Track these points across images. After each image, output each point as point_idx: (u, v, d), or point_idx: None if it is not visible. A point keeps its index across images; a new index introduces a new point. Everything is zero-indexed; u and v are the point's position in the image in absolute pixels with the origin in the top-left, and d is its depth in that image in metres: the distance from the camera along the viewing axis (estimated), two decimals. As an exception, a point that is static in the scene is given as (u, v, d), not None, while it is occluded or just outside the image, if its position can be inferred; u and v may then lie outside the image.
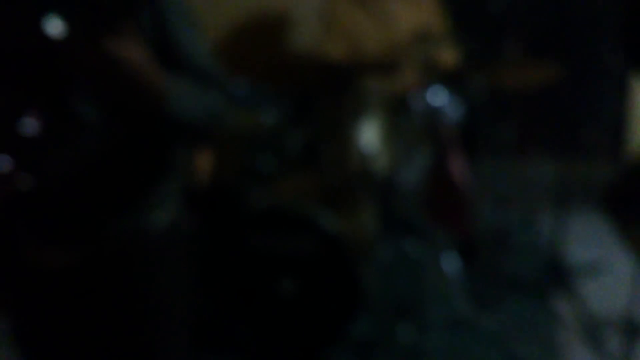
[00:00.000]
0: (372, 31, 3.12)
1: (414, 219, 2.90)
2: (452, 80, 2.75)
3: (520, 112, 2.78)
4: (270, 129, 2.60)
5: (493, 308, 2.76)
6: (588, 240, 3.41)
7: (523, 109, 2.73)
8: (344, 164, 2.48)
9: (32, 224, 1.24)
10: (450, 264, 2.66)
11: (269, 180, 2.59)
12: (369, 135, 2.49)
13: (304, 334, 2.48)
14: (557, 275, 2.96)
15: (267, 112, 2.65)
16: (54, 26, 1.07)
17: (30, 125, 1.09)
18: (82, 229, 1.25)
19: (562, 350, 2.54)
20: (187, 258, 1.46)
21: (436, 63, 3.04)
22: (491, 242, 3.06)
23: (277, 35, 3.82)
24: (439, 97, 2.42)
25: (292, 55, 3.80)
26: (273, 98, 2.70)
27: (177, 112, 1.18)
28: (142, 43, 1.09)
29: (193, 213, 1.52)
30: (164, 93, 1.15)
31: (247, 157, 2.58)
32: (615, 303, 2.73)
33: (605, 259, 3.13)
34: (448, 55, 3.13)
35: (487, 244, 2.91)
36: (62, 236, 1.25)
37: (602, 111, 3.90)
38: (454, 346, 2.55)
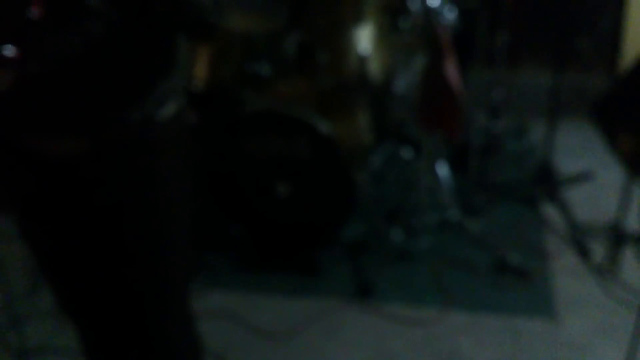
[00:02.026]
0: None
1: (408, 124, 2.93)
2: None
3: (514, 20, 2.75)
4: (267, 32, 2.58)
5: (482, 214, 2.83)
6: (578, 150, 3.46)
7: (518, 17, 2.70)
8: (340, 67, 2.49)
9: (36, 111, 1.23)
10: (442, 169, 2.69)
11: (265, 83, 2.58)
12: (365, 38, 2.48)
13: (297, 234, 2.55)
14: (546, 183, 3.01)
15: (264, 14, 2.62)
16: None
17: (33, 10, 1.07)
18: (88, 118, 1.24)
19: (549, 255, 2.61)
20: (189, 148, 1.46)
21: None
22: (482, 149, 3.08)
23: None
24: (434, 0, 2.40)
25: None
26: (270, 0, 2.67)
27: None
28: None
29: (191, 111, 1.52)
30: None
31: (243, 60, 2.56)
32: (603, 211, 2.80)
33: (594, 168, 3.18)
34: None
35: (478, 151, 2.94)
36: (66, 125, 1.25)
37: (597, 21, 3.87)
38: (443, 248, 2.63)
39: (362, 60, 2.47)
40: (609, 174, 3.13)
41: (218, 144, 2.47)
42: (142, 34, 1.22)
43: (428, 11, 2.35)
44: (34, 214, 1.41)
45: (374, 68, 2.51)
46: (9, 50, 1.07)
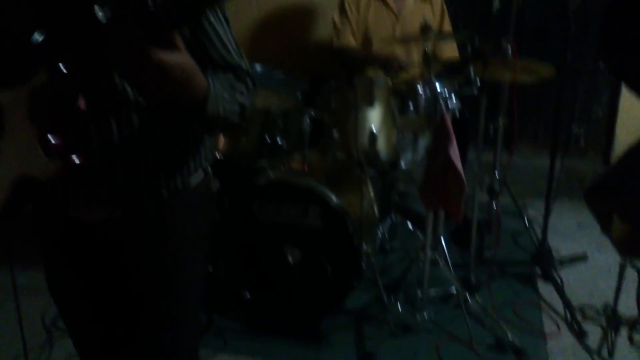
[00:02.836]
0: (385, 25, 3.30)
1: (412, 199, 3.04)
2: (451, 71, 2.90)
3: (512, 105, 2.91)
4: (284, 108, 2.74)
5: (481, 289, 2.90)
6: (574, 231, 3.57)
7: (516, 103, 2.87)
8: (351, 144, 2.63)
9: (76, 188, 1.32)
10: (443, 245, 2.78)
11: (281, 155, 2.73)
12: (375, 118, 2.65)
13: (304, 301, 2.62)
14: (543, 262, 3.09)
15: (282, 93, 2.80)
16: (105, 14, 1.15)
17: (79, 103, 1.15)
18: (123, 194, 1.33)
19: (546, 334, 2.63)
20: (211, 214, 1.56)
21: (437, 55, 3.23)
22: (482, 226, 3.19)
23: (298, 24, 4.00)
24: (439, 87, 2.57)
25: (309, 43, 3.98)
26: (289, 80, 2.86)
27: (215, 111, 1.19)
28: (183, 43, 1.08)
29: (215, 179, 1.62)
30: (206, 93, 1.16)
31: (262, 132, 2.71)
32: (598, 293, 2.89)
33: (590, 250, 3.28)
34: (449, 49, 3.31)
35: (478, 228, 3.04)
36: (102, 199, 1.33)
37: (592, 109, 4.06)
38: (443, 322, 2.68)
39: (372, 137, 2.62)
40: (604, 256, 3.24)
41: (233, 209, 2.59)
42: (174, 122, 1.32)
43: (434, 96, 2.51)
44: (63, 268, 1.49)
45: (382, 145, 2.66)
46: (56, 140, 1.16)
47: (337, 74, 3.14)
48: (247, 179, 2.63)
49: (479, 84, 2.66)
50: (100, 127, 1.27)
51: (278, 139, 2.68)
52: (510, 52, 2.80)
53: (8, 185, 1.27)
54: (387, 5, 3.32)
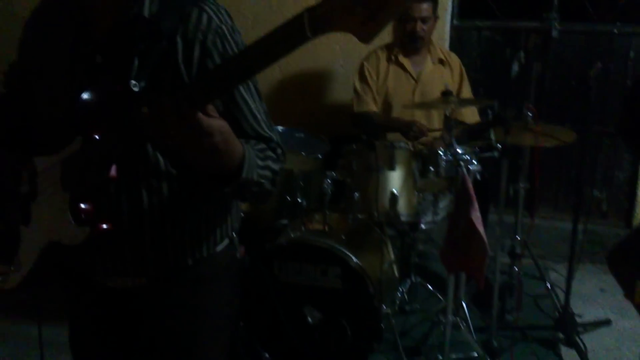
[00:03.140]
0: (405, 89, 3.37)
1: (433, 261, 3.02)
2: (472, 136, 2.94)
3: (534, 168, 2.93)
4: (307, 169, 2.79)
5: (503, 354, 2.85)
6: (596, 296, 3.51)
7: (537, 166, 2.89)
8: (371, 205, 2.66)
9: (103, 255, 1.34)
10: (465, 309, 2.77)
11: (302, 215, 2.75)
12: (396, 180, 2.68)
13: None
14: (565, 327, 3.01)
15: (305, 154, 2.85)
16: (141, 87, 1.19)
17: (113, 170, 1.17)
18: (149, 263, 1.35)
19: None
20: (236, 280, 1.55)
21: (459, 119, 3.27)
22: (503, 289, 3.16)
23: (319, 87, 4.10)
24: (460, 150, 2.60)
25: (330, 105, 4.06)
26: (310, 141, 2.91)
27: (250, 176, 1.19)
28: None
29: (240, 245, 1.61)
30: (241, 159, 1.16)
31: (282, 192, 2.75)
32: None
33: (612, 315, 3.22)
34: (469, 113, 3.36)
35: (500, 291, 3.01)
36: (129, 267, 1.35)
37: (614, 173, 4.06)
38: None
39: (392, 199, 2.65)
40: (628, 322, 3.17)
41: (253, 268, 2.60)
42: (204, 191, 1.34)
43: (455, 159, 2.53)
44: (87, 332, 1.51)
45: (403, 206, 2.68)
46: (87, 207, 1.19)
47: (358, 136, 3.20)
48: (267, 238, 2.66)
49: (499, 148, 2.68)
50: (130, 195, 1.29)
51: (299, 199, 2.71)
52: (531, 117, 2.83)
53: (38, 250, 1.30)
54: (406, 70, 3.38)
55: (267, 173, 1.27)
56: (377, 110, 3.39)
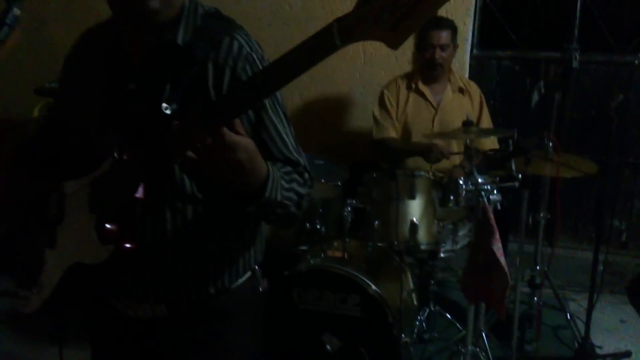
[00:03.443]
0: (424, 117, 3.38)
1: (452, 290, 3.01)
2: (492, 165, 2.94)
3: (554, 198, 2.93)
4: (326, 197, 2.80)
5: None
6: (616, 327, 3.47)
7: (557, 196, 2.88)
8: (391, 233, 2.66)
9: (123, 279, 1.35)
10: (484, 339, 2.75)
11: (321, 242, 2.77)
12: (416, 209, 2.69)
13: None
14: (585, 359, 2.98)
15: (325, 182, 2.86)
16: (170, 109, 1.21)
17: (139, 192, 1.17)
18: (169, 290, 1.35)
19: None
20: (260, 313, 1.53)
21: (479, 149, 3.28)
22: (523, 319, 3.13)
23: (338, 113, 4.13)
24: (480, 180, 2.61)
25: (349, 132, 4.09)
26: (330, 168, 2.93)
27: (273, 197, 1.19)
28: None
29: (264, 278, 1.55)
30: (265, 178, 1.15)
31: (302, 218, 2.77)
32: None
33: (633, 347, 3.17)
34: (488, 142, 3.36)
35: (519, 321, 2.99)
36: (148, 294, 1.36)
37: (634, 203, 4.04)
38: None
39: (412, 228, 2.66)
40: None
41: (272, 294, 2.59)
42: (226, 218, 1.35)
43: (476, 189, 2.54)
44: (109, 358, 1.52)
45: (423, 235, 2.68)
46: (112, 227, 1.19)
47: (377, 163, 3.21)
48: (286, 264, 2.66)
49: (520, 178, 2.68)
50: (154, 216, 1.30)
51: (318, 226, 2.72)
52: (552, 147, 2.83)
53: (60, 272, 1.31)
54: (426, 98, 3.40)
55: (292, 195, 1.27)
56: (397, 137, 3.41)
